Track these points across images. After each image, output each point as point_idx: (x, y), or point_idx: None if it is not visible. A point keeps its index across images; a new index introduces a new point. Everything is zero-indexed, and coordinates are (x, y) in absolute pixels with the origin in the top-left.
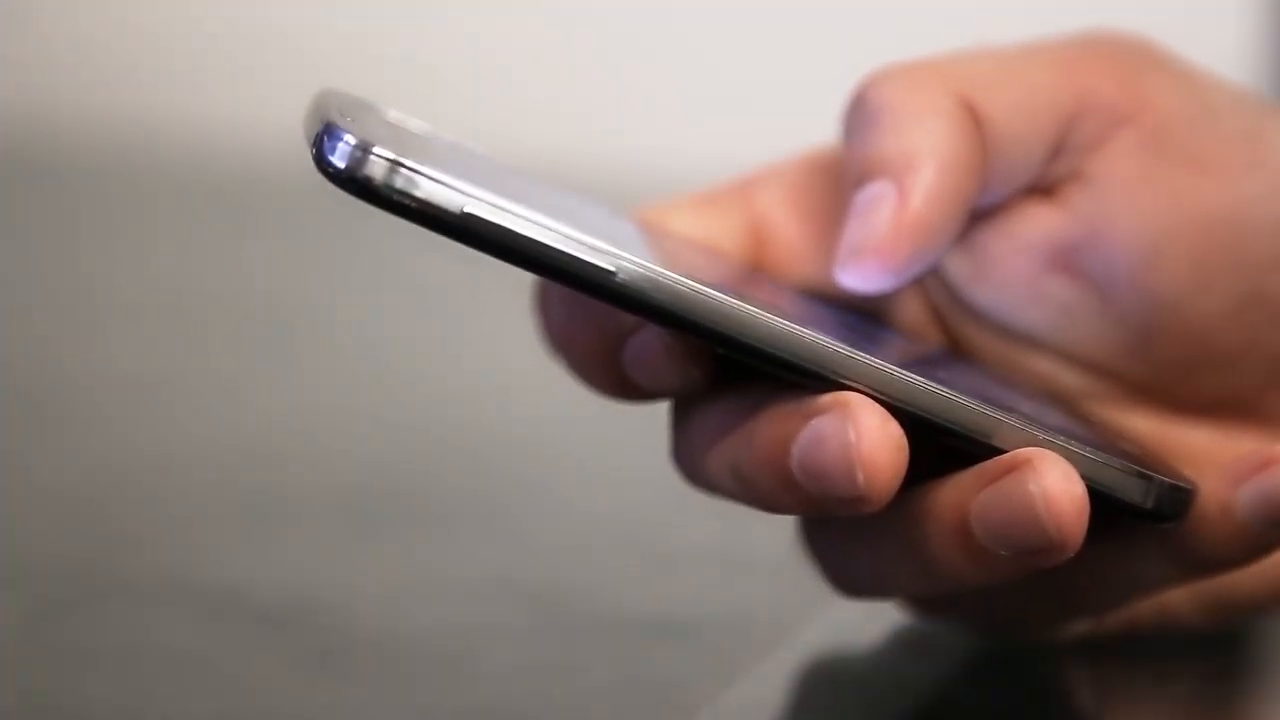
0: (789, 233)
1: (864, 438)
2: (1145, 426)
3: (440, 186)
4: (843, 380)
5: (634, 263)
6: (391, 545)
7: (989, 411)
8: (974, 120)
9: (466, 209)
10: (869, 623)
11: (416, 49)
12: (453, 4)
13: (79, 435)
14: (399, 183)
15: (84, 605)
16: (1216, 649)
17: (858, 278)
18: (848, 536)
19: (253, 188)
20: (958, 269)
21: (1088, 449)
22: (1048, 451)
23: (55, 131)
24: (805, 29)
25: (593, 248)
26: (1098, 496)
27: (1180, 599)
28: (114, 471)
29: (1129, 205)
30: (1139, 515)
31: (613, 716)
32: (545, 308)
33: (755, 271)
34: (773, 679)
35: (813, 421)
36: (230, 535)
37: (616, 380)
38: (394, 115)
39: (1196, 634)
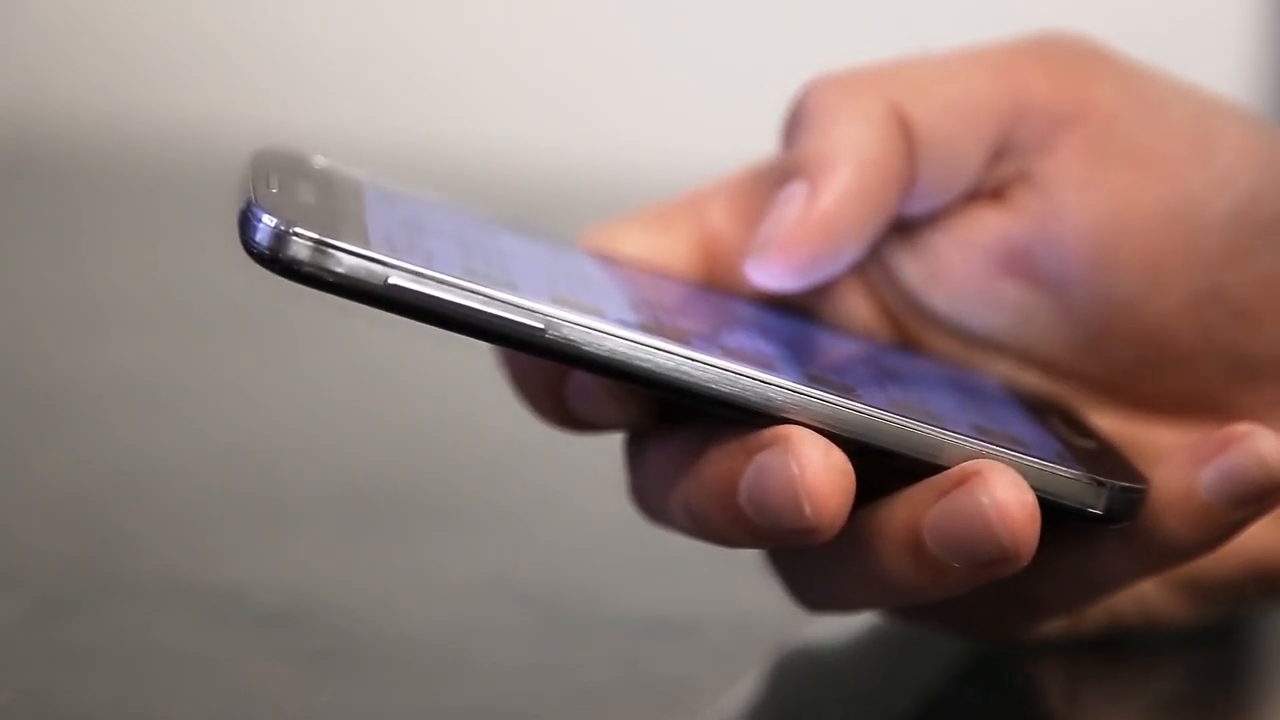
0: (738, 245)
1: (807, 470)
2: (1110, 427)
3: (362, 261)
4: (782, 415)
5: (563, 319)
6: (391, 545)
7: (932, 432)
8: (901, 126)
9: (391, 280)
10: (869, 623)
11: (417, 49)
12: (453, 4)
13: (79, 435)
14: (321, 261)
15: (84, 605)
16: (1205, 647)
17: (764, 273)
18: (807, 557)
19: None
20: (912, 274)
21: (1034, 459)
22: (996, 463)
23: (55, 131)
24: (805, 29)
25: (520, 307)
26: (1047, 504)
27: (1156, 592)
28: (114, 471)
29: (1077, 204)
30: (1090, 520)
31: (613, 716)
32: None
33: (705, 288)
34: (773, 679)
35: (757, 458)
36: (230, 535)
37: (563, 413)
38: (326, 164)
39: (1183, 629)
